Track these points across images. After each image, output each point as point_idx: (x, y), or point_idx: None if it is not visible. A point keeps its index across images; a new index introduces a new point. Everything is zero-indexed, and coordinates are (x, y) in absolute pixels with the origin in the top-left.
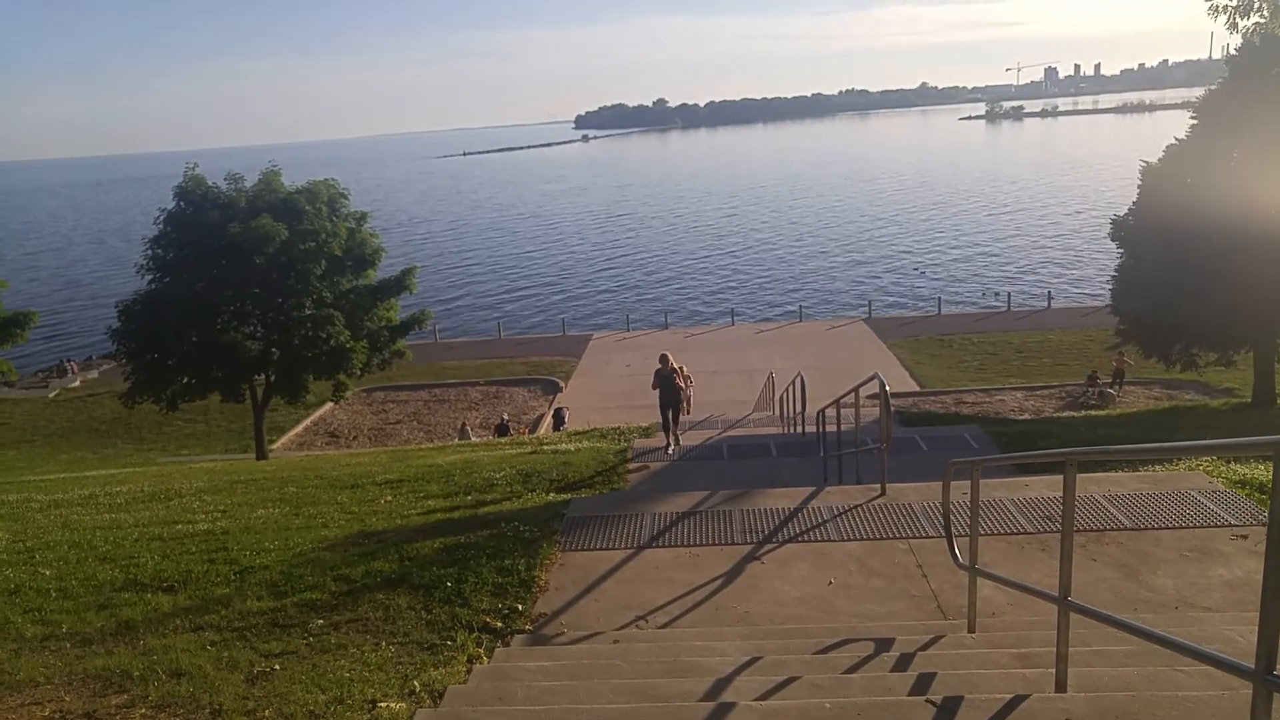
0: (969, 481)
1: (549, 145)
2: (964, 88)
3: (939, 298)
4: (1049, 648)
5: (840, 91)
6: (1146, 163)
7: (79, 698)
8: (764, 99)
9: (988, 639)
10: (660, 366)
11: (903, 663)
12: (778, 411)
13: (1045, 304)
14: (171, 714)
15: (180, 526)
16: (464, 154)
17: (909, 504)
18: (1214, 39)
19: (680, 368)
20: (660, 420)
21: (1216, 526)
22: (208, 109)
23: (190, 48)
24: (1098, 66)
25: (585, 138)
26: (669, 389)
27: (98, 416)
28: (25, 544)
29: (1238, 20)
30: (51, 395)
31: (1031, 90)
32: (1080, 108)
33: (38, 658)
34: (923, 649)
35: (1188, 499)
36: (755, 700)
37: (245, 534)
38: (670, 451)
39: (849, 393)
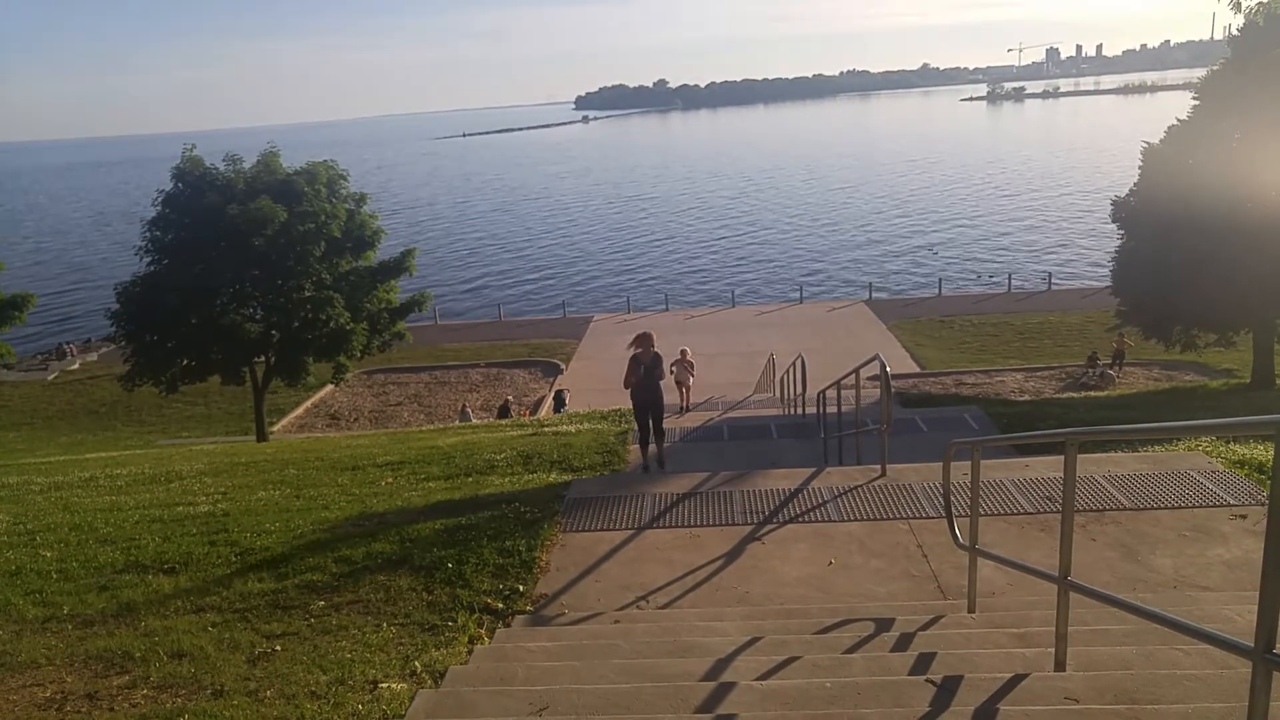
0: (969, 462)
1: (549, 126)
2: (965, 69)
3: (939, 279)
4: (1048, 627)
5: (841, 72)
6: (1148, 144)
7: (80, 679)
8: (765, 80)
9: (988, 619)
10: (640, 351)
11: (903, 643)
12: (778, 393)
13: (1045, 285)
14: (173, 695)
15: (181, 508)
16: (463, 135)
17: (909, 485)
18: (1216, 19)
19: (684, 352)
20: (636, 431)
21: (1215, 506)
22: (207, 91)
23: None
24: (1099, 47)
25: (585, 119)
26: (650, 386)
27: (97, 399)
28: (26, 526)
29: (1241, 0)
30: (51, 378)
31: (1033, 71)
32: (1082, 89)
33: (39, 639)
34: (923, 629)
35: (1187, 479)
36: (756, 680)
37: (246, 516)
38: (649, 471)
39: (849, 374)
